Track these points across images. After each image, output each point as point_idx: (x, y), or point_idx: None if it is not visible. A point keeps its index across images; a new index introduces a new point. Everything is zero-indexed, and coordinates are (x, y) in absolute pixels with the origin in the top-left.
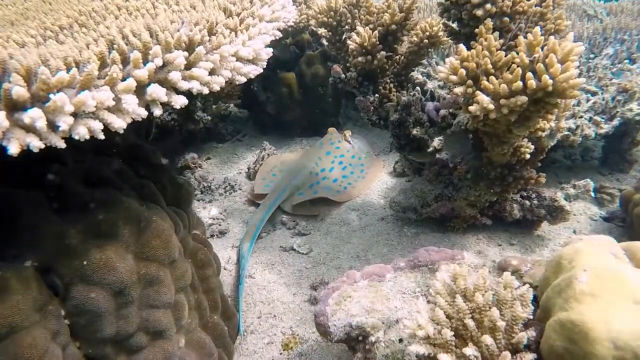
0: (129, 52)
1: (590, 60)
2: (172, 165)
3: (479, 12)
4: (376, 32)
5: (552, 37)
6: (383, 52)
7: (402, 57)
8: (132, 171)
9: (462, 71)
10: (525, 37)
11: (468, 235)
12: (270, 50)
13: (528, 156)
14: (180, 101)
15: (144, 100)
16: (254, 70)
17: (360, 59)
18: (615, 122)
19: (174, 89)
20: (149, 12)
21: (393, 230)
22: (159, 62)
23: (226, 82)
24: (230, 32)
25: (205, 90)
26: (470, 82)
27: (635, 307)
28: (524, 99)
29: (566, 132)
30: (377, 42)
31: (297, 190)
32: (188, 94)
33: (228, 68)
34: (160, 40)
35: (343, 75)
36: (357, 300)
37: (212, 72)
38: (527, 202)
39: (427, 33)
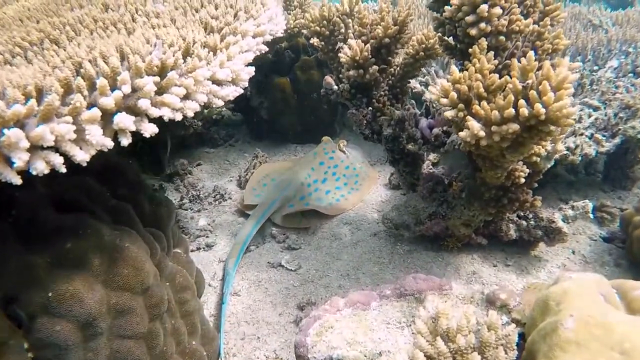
0: (96, 77)
1: (593, 73)
2: (161, 171)
3: (473, 32)
4: (368, 45)
5: (546, 62)
6: (375, 67)
7: (398, 69)
8: (108, 191)
9: (454, 94)
10: (523, 56)
11: (462, 255)
12: (252, 69)
13: (523, 180)
14: (150, 129)
15: (110, 129)
16: (233, 92)
17: (351, 72)
18: (617, 139)
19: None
20: (126, 27)
21: (385, 247)
22: (127, 89)
23: (202, 105)
24: (208, 52)
25: (178, 117)
26: (461, 105)
27: (620, 358)
28: (515, 127)
29: (565, 152)
30: (370, 56)
31: (288, 202)
32: None
33: (204, 92)
34: (130, 65)
35: (335, 87)
36: (339, 331)
37: (186, 97)
38: (524, 223)
39: (423, 45)
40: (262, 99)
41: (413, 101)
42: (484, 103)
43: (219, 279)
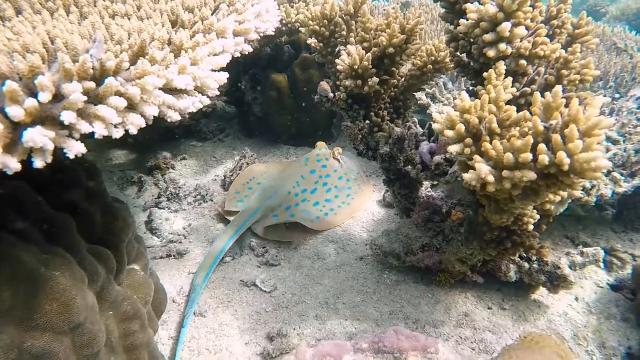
0: (10, 74)
1: (614, 102)
2: (142, 163)
3: (491, 53)
4: (369, 54)
5: (575, 101)
6: (375, 79)
7: (403, 80)
8: (55, 199)
9: (461, 127)
10: (546, 86)
11: (455, 292)
12: (224, 75)
13: (531, 227)
14: (76, 149)
15: (21, 150)
16: (196, 104)
17: (348, 82)
18: (637, 181)
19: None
20: (82, 12)
21: (372, 274)
22: (45, 97)
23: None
24: (170, 53)
25: (116, 134)
26: (469, 140)
27: None
28: (532, 175)
29: (581, 194)
30: (370, 66)
31: (272, 212)
32: None
33: (155, 103)
34: (61, 64)
35: (331, 95)
36: None
37: (130, 109)
38: (527, 265)
39: (433, 58)
40: (256, 95)
41: (416, 119)
42: (496, 142)
43: (186, 295)
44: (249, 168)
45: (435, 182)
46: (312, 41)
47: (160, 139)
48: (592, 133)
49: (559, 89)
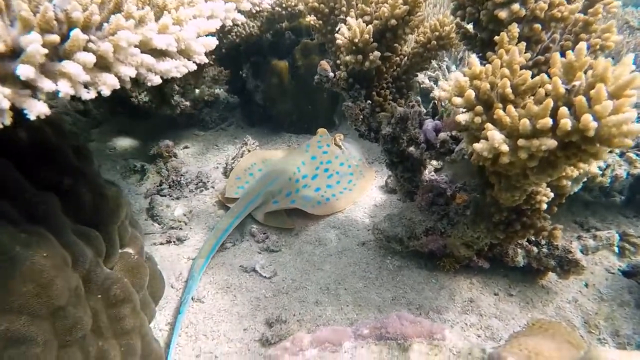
0: None
1: None
2: (145, 151)
3: (503, 14)
4: (370, 27)
5: (601, 59)
6: (377, 53)
7: (405, 59)
8: (40, 178)
9: (471, 92)
10: (561, 54)
11: (460, 278)
12: (213, 40)
13: (545, 206)
14: (37, 109)
15: None
16: (179, 68)
17: (349, 57)
18: None
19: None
20: None
21: (374, 259)
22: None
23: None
24: (151, 11)
25: (85, 95)
26: (479, 108)
27: None
28: (552, 142)
29: (598, 171)
30: (371, 40)
31: (273, 198)
32: None
33: (132, 63)
34: (17, 13)
35: (331, 74)
36: None
37: (102, 68)
38: (535, 249)
39: (437, 33)
40: (257, 82)
41: (419, 98)
42: (510, 107)
43: (184, 280)
44: (249, 154)
45: (439, 165)
46: (310, 18)
47: (163, 128)
48: (622, 93)
49: (582, 45)
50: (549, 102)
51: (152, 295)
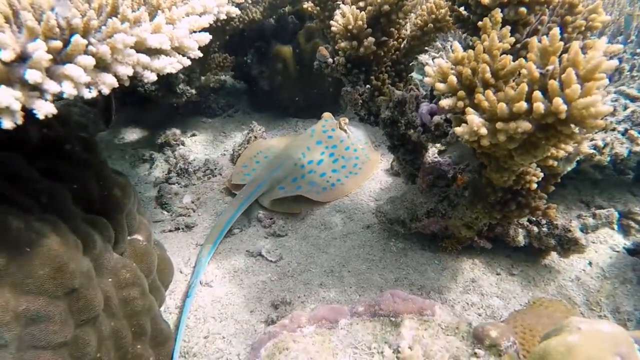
0: None
1: (635, 57)
2: (153, 140)
3: (486, 0)
4: (363, 13)
5: (575, 43)
6: (371, 39)
7: (404, 42)
8: (49, 168)
9: (453, 78)
10: (546, 36)
11: (463, 258)
12: (206, 36)
13: (535, 186)
14: (45, 109)
15: None
16: (174, 64)
17: (344, 44)
18: None
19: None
20: None
21: (378, 242)
22: (7, 55)
23: (132, 77)
24: (145, 12)
25: (87, 94)
26: (462, 93)
27: None
28: (527, 125)
29: (591, 150)
30: (365, 26)
31: (279, 184)
32: None
33: (129, 63)
34: (24, 22)
35: (330, 60)
36: (294, 355)
37: (101, 69)
38: (535, 229)
39: (433, 16)
40: (262, 68)
41: (417, 81)
42: (489, 92)
43: (193, 266)
44: (256, 142)
45: (443, 148)
46: (308, 5)
47: (171, 116)
48: (591, 77)
49: (556, 31)
50: (524, 86)
51: (161, 280)
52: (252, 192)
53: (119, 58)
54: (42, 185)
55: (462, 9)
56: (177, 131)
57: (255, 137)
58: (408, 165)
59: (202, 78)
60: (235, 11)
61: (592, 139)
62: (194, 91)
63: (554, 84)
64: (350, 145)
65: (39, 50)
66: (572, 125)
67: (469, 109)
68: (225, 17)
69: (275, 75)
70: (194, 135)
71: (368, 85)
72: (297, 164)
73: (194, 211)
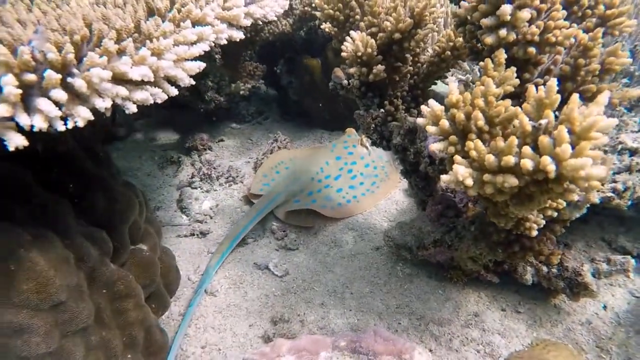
0: None
1: None
2: (183, 143)
3: (489, 40)
4: (373, 41)
5: (574, 97)
6: (380, 67)
7: (423, 67)
8: (56, 181)
9: (445, 123)
10: (563, 75)
11: (468, 290)
12: (199, 64)
13: (535, 233)
14: (15, 141)
15: None
16: (158, 95)
17: (353, 69)
18: None
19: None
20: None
21: (385, 265)
22: None
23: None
24: (132, 43)
25: (60, 127)
26: (454, 138)
27: None
28: (513, 181)
29: (609, 194)
30: (375, 53)
31: (294, 197)
32: None
33: (108, 95)
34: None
35: (345, 82)
36: None
37: (81, 99)
38: (544, 269)
39: (452, 43)
40: (291, 79)
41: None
42: (478, 142)
43: (201, 274)
44: (277, 152)
45: None
46: (326, 26)
47: (201, 121)
48: (586, 135)
49: (553, 82)
50: (513, 139)
51: (166, 288)
52: (267, 203)
53: (96, 91)
54: (40, 199)
55: (474, 41)
56: (205, 136)
57: (279, 147)
58: (420, 191)
59: (232, 85)
60: (239, 35)
61: (613, 181)
62: (222, 98)
63: (544, 140)
64: (370, 162)
65: (9, 86)
66: (563, 185)
67: (457, 157)
68: (225, 42)
69: (303, 87)
70: (221, 140)
71: (382, 110)
72: (315, 178)
73: (211, 218)
